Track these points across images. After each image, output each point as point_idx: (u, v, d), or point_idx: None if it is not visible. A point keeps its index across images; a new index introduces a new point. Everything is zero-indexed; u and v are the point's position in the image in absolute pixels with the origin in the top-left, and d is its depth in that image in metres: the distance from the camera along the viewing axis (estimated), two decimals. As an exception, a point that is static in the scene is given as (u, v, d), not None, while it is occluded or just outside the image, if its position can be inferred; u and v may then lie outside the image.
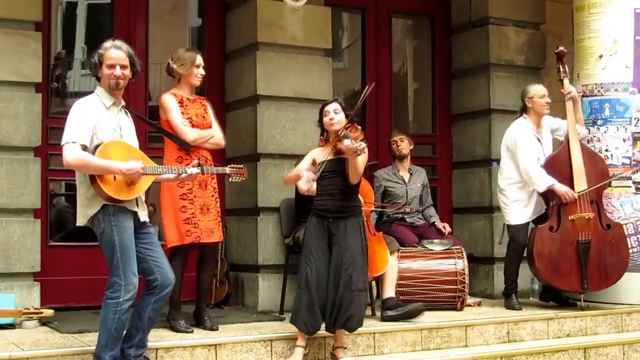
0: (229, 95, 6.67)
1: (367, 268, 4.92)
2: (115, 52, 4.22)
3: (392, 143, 6.65)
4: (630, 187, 6.43)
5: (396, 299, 5.72)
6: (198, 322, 5.26)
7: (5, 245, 5.46)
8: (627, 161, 6.41)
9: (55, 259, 5.99)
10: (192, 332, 5.04)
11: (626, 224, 6.30)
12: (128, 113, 4.39)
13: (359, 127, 4.80)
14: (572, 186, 5.99)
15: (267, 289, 6.16)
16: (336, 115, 4.83)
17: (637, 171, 6.42)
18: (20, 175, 5.54)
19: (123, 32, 6.10)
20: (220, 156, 5.90)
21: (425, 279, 6.03)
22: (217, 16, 6.78)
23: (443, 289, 6.05)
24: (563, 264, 5.97)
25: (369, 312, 5.66)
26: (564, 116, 6.25)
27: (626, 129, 6.45)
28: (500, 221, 6.70)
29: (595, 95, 6.54)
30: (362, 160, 4.67)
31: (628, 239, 6.21)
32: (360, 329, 4.92)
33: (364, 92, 4.83)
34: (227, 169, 4.73)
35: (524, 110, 6.29)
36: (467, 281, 6.08)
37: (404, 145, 6.60)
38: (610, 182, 6.21)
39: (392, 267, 5.75)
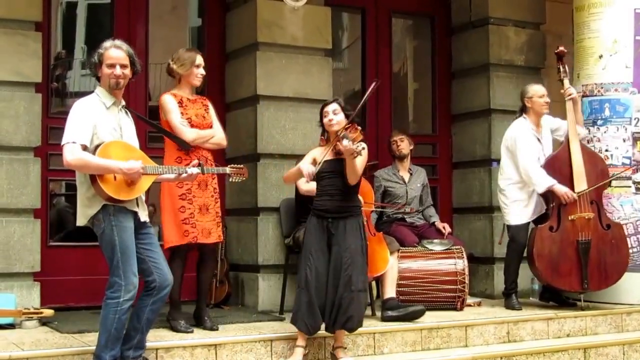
0: (229, 95, 6.67)
1: (366, 268, 4.92)
2: (115, 51, 4.23)
3: (392, 143, 6.65)
4: (630, 187, 6.43)
5: (397, 300, 5.72)
6: (198, 322, 5.26)
7: (5, 245, 5.46)
8: (627, 161, 6.41)
9: (55, 259, 5.99)
10: (192, 332, 5.04)
11: (626, 224, 6.30)
12: (128, 113, 4.39)
13: (359, 127, 4.80)
14: (572, 186, 5.99)
15: (267, 289, 6.16)
16: (335, 116, 4.83)
17: (637, 171, 6.42)
18: (20, 175, 5.53)
19: (123, 32, 6.09)
20: (220, 156, 5.90)
21: (425, 279, 6.03)
22: (217, 16, 6.78)
23: (443, 289, 6.05)
24: (563, 264, 5.97)
25: (369, 312, 5.67)
26: (563, 116, 6.25)
27: (626, 129, 6.45)
28: (500, 221, 6.70)
29: (595, 95, 6.54)
30: (360, 162, 4.67)
31: (628, 239, 6.21)
32: (360, 329, 4.93)
33: (369, 90, 4.84)
34: (228, 169, 4.73)
35: (523, 110, 6.29)
36: (467, 281, 6.08)
37: (404, 145, 6.60)
38: (610, 182, 6.21)
39: (392, 267, 5.75)
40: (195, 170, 4.48)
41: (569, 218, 5.98)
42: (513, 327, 5.69)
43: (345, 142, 4.53)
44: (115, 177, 4.09)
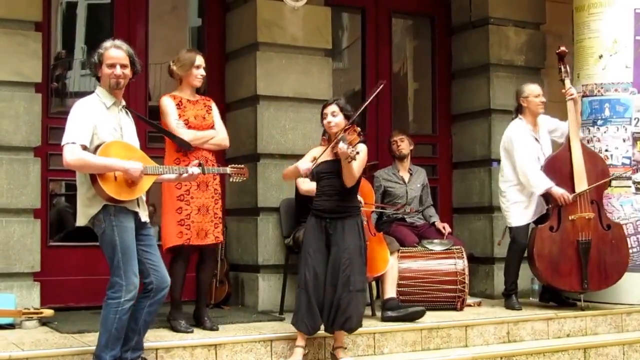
0: (229, 96, 6.66)
1: (365, 268, 4.93)
2: (116, 51, 4.22)
3: (392, 143, 6.65)
4: (630, 187, 6.43)
5: (397, 300, 5.72)
6: (198, 322, 5.26)
7: (5, 245, 5.46)
8: (627, 161, 6.41)
9: (55, 259, 5.99)
10: (192, 332, 5.04)
11: (626, 224, 6.30)
12: (129, 113, 4.39)
13: (358, 128, 4.79)
14: (572, 186, 5.99)
15: (267, 289, 6.16)
16: (334, 118, 4.83)
17: (637, 171, 6.42)
18: (20, 175, 5.53)
19: (123, 32, 6.09)
20: (220, 156, 5.89)
21: (425, 279, 6.03)
22: (217, 16, 6.78)
23: (443, 289, 6.05)
24: (563, 264, 5.97)
25: (369, 312, 5.67)
26: (564, 117, 6.24)
27: (626, 129, 6.44)
28: (500, 221, 6.71)
29: (595, 96, 6.53)
30: (357, 165, 4.66)
31: (628, 239, 6.21)
32: (360, 329, 4.93)
33: (374, 92, 4.84)
34: (228, 169, 4.73)
35: (519, 110, 6.29)
36: (467, 281, 6.08)
37: (404, 145, 6.61)
38: (610, 182, 6.21)
39: (392, 267, 5.75)
40: (196, 170, 4.48)
41: (569, 218, 5.98)
42: (513, 327, 5.69)
43: (341, 145, 4.54)
44: (115, 178, 4.09)
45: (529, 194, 6.15)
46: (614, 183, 6.32)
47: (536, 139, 6.21)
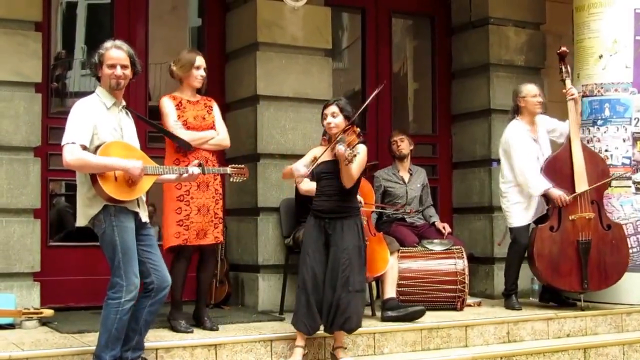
0: (229, 95, 6.66)
1: (364, 269, 4.93)
2: (116, 52, 4.22)
3: (392, 143, 6.65)
4: (630, 187, 6.43)
5: (397, 300, 5.72)
6: (198, 322, 5.26)
7: (5, 245, 5.46)
8: (627, 161, 6.41)
9: (55, 259, 5.99)
10: (192, 332, 5.04)
11: (626, 224, 6.30)
12: (129, 113, 4.39)
13: (358, 129, 4.79)
14: (573, 186, 5.99)
15: (267, 289, 6.16)
16: (334, 119, 4.83)
17: (637, 171, 6.42)
18: (20, 175, 5.53)
19: (123, 32, 6.10)
20: (220, 156, 5.89)
21: (425, 279, 6.03)
22: (217, 16, 6.78)
23: (443, 289, 6.05)
24: (563, 264, 5.97)
25: (369, 312, 5.68)
26: (563, 116, 6.24)
27: (626, 129, 6.44)
28: (500, 221, 6.71)
29: (595, 96, 6.53)
30: (355, 167, 4.66)
31: (628, 239, 6.21)
32: (360, 329, 4.92)
33: (373, 93, 4.85)
34: (229, 169, 4.73)
35: (516, 111, 6.29)
36: (467, 281, 6.08)
37: (404, 145, 6.60)
38: (610, 182, 6.21)
39: (392, 267, 5.75)
40: (196, 170, 4.48)
41: (570, 218, 5.98)
42: (513, 327, 5.69)
43: (339, 147, 4.54)
44: (116, 178, 4.09)
45: (529, 194, 6.15)
46: (614, 183, 6.32)
47: (535, 140, 6.20)
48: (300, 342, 4.81)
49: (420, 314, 5.55)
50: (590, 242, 5.97)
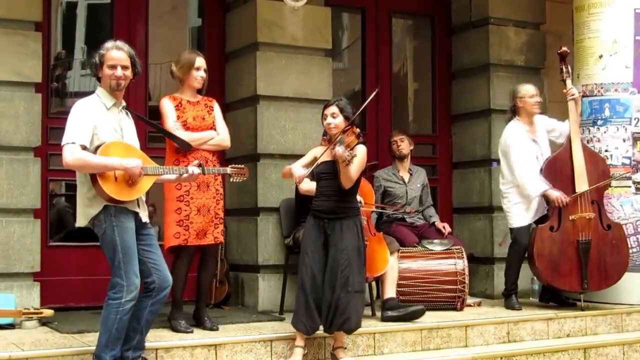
0: (229, 96, 6.66)
1: (364, 269, 4.93)
2: (117, 52, 4.22)
3: (392, 143, 6.65)
4: (630, 187, 6.43)
5: (397, 300, 5.72)
6: (198, 322, 5.26)
7: (5, 245, 5.46)
8: (627, 161, 6.41)
9: (55, 259, 5.99)
10: (192, 332, 5.04)
11: (626, 224, 6.30)
12: (129, 114, 4.39)
13: (358, 129, 4.79)
14: (573, 186, 5.99)
15: (267, 289, 6.16)
16: (334, 120, 4.83)
17: (637, 171, 6.42)
18: (20, 175, 5.53)
19: (123, 32, 6.10)
20: (220, 156, 5.89)
21: (425, 279, 6.03)
22: (217, 16, 6.78)
23: (443, 289, 6.05)
24: (563, 264, 5.97)
25: (369, 312, 5.68)
26: (563, 116, 6.24)
27: (626, 129, 6.44)
28: (500, 221, 6.70)
29: (595, 96, 6.53)
30: (354, 168, 4.66)
31: (628, 239, 6.21)
32: (360, 329, 4.92)
33: (369, 98, 4.85)
34: (229, 169, 4.74)
35: (514, 111, 6.28)
36: (467, 281, 6.08)
37: (404, 145, 6.60)
38: (610, 182, 6.21)
39: (392, 267, 5.75)
40: (196, 170, 4.48)
41: (570, 218, 5.98)
42: (513, 327, 5.70)
43: (338, 148, 4.54)
44: (116, 178, 4.09)
45: (529, 195, 6.14)
46: (614, 183, 6.32)
47: (534, 140, 6.20)
48: (300, 342, 4.81)
49: (420, 313, 5.56)
50: (591, 242, 5.97)
